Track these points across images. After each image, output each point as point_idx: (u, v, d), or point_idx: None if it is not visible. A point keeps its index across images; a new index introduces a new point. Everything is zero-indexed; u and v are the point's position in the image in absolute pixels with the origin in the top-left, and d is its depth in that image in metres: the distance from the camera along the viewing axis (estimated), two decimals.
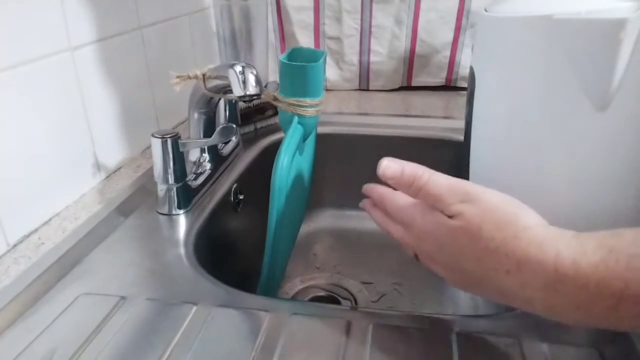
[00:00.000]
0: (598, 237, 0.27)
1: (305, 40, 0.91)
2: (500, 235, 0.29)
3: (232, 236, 0.61)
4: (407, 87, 0.95)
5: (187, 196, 0.52)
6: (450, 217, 0.32)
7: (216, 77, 0.49)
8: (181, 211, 0.52)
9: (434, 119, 0.78)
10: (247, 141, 0.71)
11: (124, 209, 0.52)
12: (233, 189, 0.61)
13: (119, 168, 0.61)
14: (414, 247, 0.36)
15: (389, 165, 0.35)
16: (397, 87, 0.94)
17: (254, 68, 0.47)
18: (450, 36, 0.89)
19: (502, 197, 0.31)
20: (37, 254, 0.44)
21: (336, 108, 0.85)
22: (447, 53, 0.90)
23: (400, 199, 0.37)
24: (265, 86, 0.68)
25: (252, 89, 0.46)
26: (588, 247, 0.27)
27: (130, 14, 0.61)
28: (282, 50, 0.93)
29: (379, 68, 0.92)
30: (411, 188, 0.34)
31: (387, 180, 0.35)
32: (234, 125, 0.57)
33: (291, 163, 0.46)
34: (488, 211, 0.30)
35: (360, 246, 0.74)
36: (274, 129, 0.74)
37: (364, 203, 0.42)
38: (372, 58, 0.91)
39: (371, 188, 0.41)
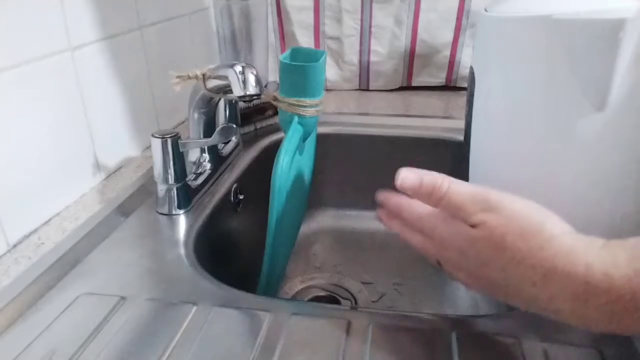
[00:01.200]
0: (628, 248, 0.26)
1: (305, 40, 0.91)
2: (525, 246, 0.28)
3: (232, 236, 0.61)
4: (407, 87, 0.95)
5: (187, 196, 0.52)
6: (472, 227, 0.31)
7: (216, 77, 0.49)
8: (181, 211, 0.52)
9: (434, 119, 0.78)
10: (247, 141, 0.71)
11: (124, 209, 0.52)
12: (233, 189, 0.61)
13: (119, 168, 0.61)
14: (436, 255, 0.35)
15: (406, 176, 0.34)
16: (397, 87, 0.94)
17: (254, 68, 0.47)
18: (450, 36, 0.89)
19: (526, 205, 0.30)
20: (37, 254, 0.44)
21: (336, 108, 0.85)
22: (447, 53, 0.90)
23: (419, 208, 0.36)
24: (265, 86, 0.68)
25: (252, 89, 0.46)
26: (620, 258, 0.26)
27: (130, 14, 0.61)
28: (282, 50, 0.93)
29: (379, 68, 0.92)
30: (431, 198, 0.33)
31: (405, 192, 0.34)
32: (234, 125, 0.57)
33: (291, 163, 0.46)
34: (512, 220, 0.29)
35: (360, 246, 0.74)
36: (274, 129, 0.74)
37: (380, 215, 0.41)
38: (372, 58, 0.91)
39: (386, 198, 0.39)
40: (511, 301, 0.31)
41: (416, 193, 0.34)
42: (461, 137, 0.51)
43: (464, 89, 0.90)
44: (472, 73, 0.46)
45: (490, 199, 0.31)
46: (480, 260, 0.31)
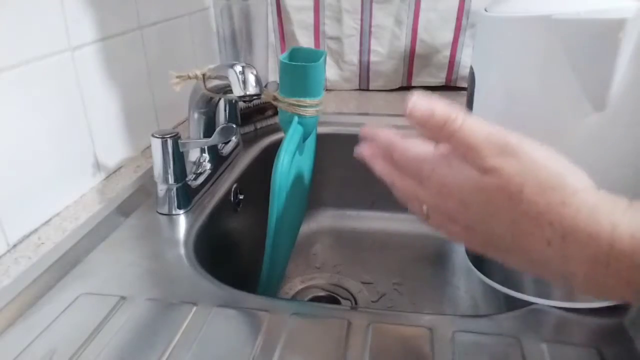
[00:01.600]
0: None
1: (305, 40, 0.91)
2: (544, 200, 0.25)
3: (232, 236, 0.61)
4: (407, 87, 0.95)
5: (187, 196, 0.52)
6: (484, 172, 0.27)
7: (216, 77, 0.49)
8: (181, 211, 0.52)
9: None
10: (247, 141, 0.71)
11: (124, 209, 0.52)
12: (233, 189, 0.61)
13: (119, 168, 0.61)
14: (427, 203, 0.31)
15: (418, 103, 0.28)
16: (397, 87, 0.94)
17: (254, 68, 0.47)
18: (450, 36, 0.89)
19: (548, 154, 0.27)
20: (37, 254, 0.44)
21: (336, 108, 0.85)
22: (447, 53, 0.90)
23: (415, 149, 0.31)
24: (265, 86, 0.68)
25: (252, 89, 0.46)
26: None
27: (130, 14, 0.61)
28: (282, 50, 0.93)
29: (379, 68, 0.92)
30: (441, 132, 0.28)
31: (414, 122, 0.29)
32: (234, 125, 0.57)
33: (291, 163, 0.46)
34: (531, 169, 0.26)
35: (360, 246, 0.74)
36: (274, 129, 0.74)
37: (362, 150, 0.34)
38: (372, 58, 0.91)
39: (375, 133, 0.33)
40: (512, 260, 0.28)
41: (425, 124, 0.28)
42: None
43: (464, 89, 0.90)
44: (472, 73, 0.46)
45: (509, 142, 0.27)
46: (487, 212, 0.27)
